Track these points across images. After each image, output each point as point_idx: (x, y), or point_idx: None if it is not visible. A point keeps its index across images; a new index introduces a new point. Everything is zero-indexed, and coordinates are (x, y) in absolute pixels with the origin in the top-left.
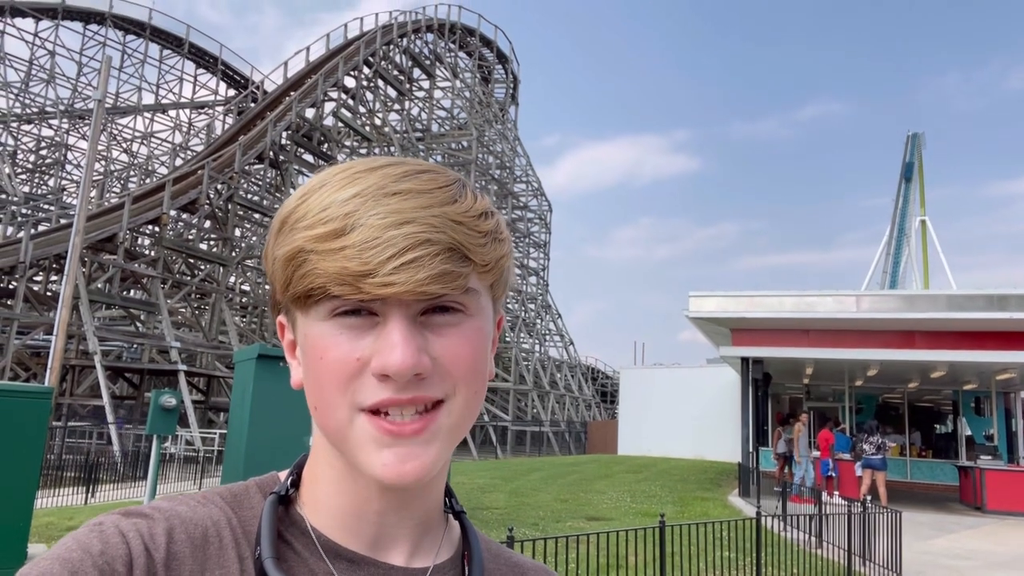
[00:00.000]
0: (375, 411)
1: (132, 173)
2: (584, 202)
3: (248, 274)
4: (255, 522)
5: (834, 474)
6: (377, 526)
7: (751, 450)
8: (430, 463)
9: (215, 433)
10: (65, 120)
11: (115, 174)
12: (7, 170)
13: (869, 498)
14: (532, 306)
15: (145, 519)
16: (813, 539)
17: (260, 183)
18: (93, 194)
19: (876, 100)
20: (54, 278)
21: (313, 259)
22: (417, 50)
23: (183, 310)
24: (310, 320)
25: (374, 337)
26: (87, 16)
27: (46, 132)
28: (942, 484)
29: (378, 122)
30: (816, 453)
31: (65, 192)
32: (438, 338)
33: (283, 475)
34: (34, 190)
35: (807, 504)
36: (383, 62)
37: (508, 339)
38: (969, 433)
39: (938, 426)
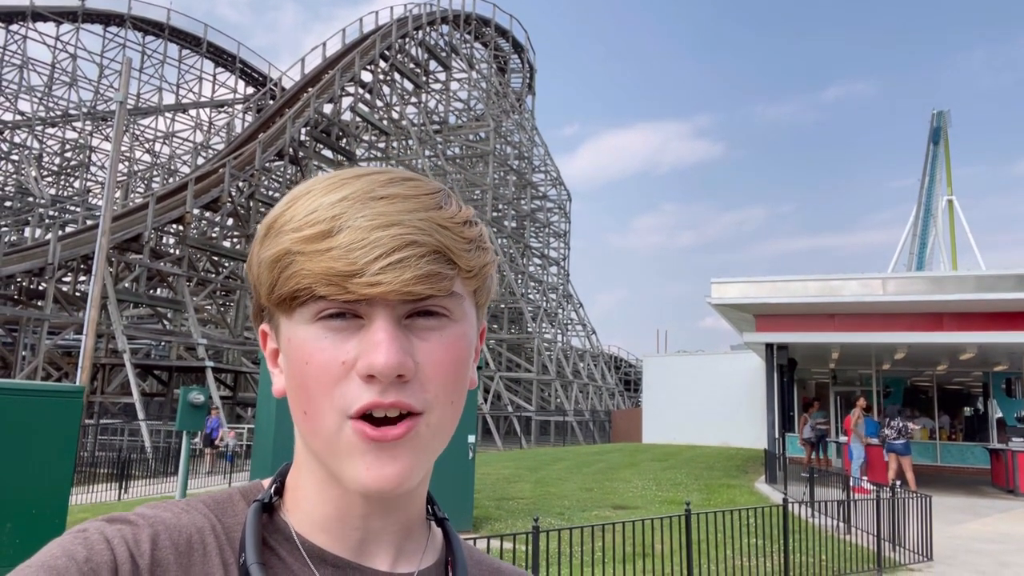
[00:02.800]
0: (360, 418)
1: (155, 173)
2: (605, 191)
3: None
4: (239, 529)
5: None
6: (361, 531)
7: (777, 436)
8: (410, 467)
9: (243, 427)
10: (88, 122)
11: (139, 174)
12: (34, 173)
13: (899, 483)
14: (553, 296)
15: (129, 525)
16: (842, 525)
17: (281, 180)
18: (118, 195)
19: (901, 80)
20: (82, 278)
21: (300, 260)
22: (432, 42)
23: (209, 307)
24: (294, 324)
25: (359, 340)
26: (106, 18)
27: (70, 135)
28: (973, 467)
29: (395, 115)
30: (873, 440)
31: (90, 193)
32: (421, 342)
33: (267, 483)
34: (60, 192)
35: (863, 494)
36: (399, 55)
37: (530, 329)
38: (1000, 415)
39: (968, 408)
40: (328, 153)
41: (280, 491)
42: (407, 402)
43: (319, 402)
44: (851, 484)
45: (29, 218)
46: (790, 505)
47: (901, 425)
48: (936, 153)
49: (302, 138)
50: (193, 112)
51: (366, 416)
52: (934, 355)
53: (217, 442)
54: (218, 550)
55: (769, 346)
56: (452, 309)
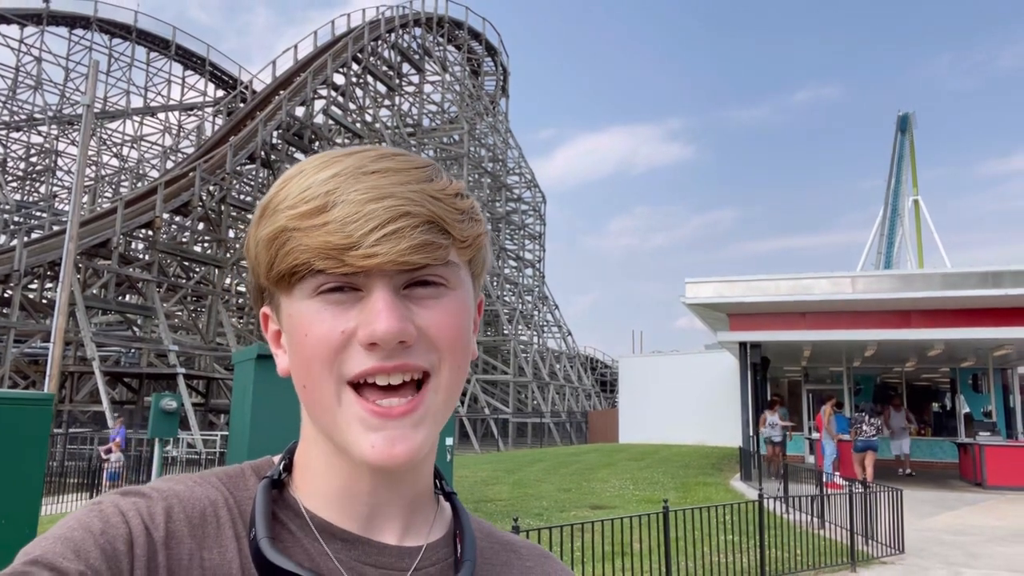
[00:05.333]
0: (361, 385)
1: (123, 177)
2: (580, 193)
3: (244, 275)
4: (250, 503)
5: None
6: (369, 506)
7: (752, 434)
8: (419, 445)
9: (216, 435)
10: (54, 126)
11: (106, 179)
12: None
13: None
14: (529, 298)
15: (144, 498)
16: (816, 520)
17: (252, 183)
18: (85, 200)
19: (868, 83)
20: (49, 285)
21: (296, 236)
22: (405, 45)
23: (180, 313)
24: (294, 300)
25: (359, 311)
26: (72, 21)
27: (35, 139)
28: (942, 461)
29: (369, 118)
30: (844, 436)
31: (57, 198)
32: (421, 309)
33: (277, 459)
34: (26, 197)
35: (835, 489)
36: (371, 58)
37: (506, 331)
38: (967, 410)
39: (936, 404)
40: (301, 156)
41: (289, 467)
42: (413, 363)
43: (319, 372)
44: (824, 480)
45: None
46: (765, 501)
47: (880, 423)
48: (902, 155)
49: (274, 141)
50: (162, 115)
51: (369, 387)
52: (903, 352)
53: (104, 454)
54: (231, 523)
55: (742, 345)
56: (449, 278)
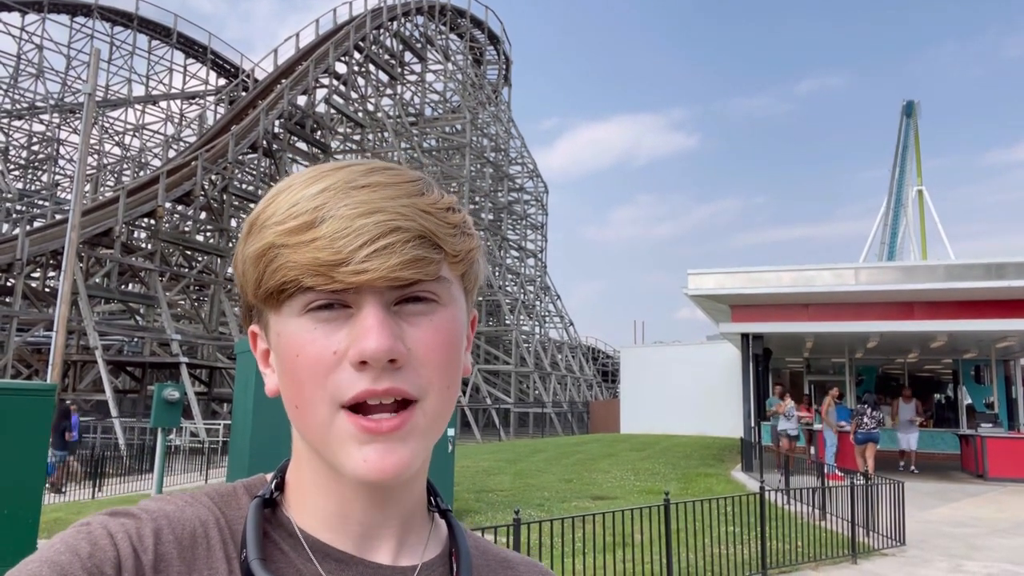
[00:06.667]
0: (354, 409)
1: (125, 166)
2: (583, 184)
3: None
4: (242, 523)
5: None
6: (362, 526)
7: (753, 425)
8: (408, 458)
9: (219, 424)
10: (56, 115)
11: (108, 168)
12: (0, 167)
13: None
14: (531, 288)
15: (132, 519)
16: (817, 512)
17: (254, 172)
18: (87, 188)
19: (873, 73)
20: (52, 274)
21: (285, 253)
22: (407, 33)
23: (182, 302)
24: (283, 318)
25: (349, 329)
26: (73, 8)
27: (37, 127)
28: (943, 453)
29: (371, 107)
30: (845, 426)
31: (59, 187)
32: (411, 328)
33: (270, 476)
34: (28, 186)
35: (835, 480)
36: (374, 46)
37: (508, 321)
38: (969, 401)
39: (938, 395)
40: (303, 146)
41: (281, 486)
42: (401, 387)
43: (311, 393)
44: (826, 471)
45: None
46: (766, 493)
47: (882, 416)
48: (907, 144)
49: (276, 130)
50: (164, 104)
51: (360, 407)
52: (905, 343)
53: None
54: (221, 544)
55: (745, 336)
56: (440, 294)
